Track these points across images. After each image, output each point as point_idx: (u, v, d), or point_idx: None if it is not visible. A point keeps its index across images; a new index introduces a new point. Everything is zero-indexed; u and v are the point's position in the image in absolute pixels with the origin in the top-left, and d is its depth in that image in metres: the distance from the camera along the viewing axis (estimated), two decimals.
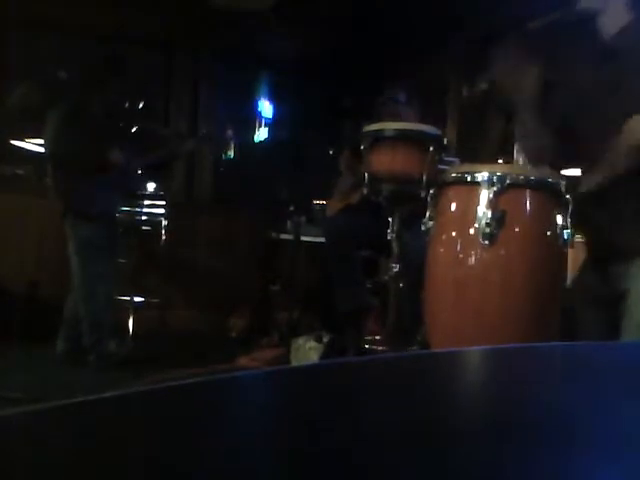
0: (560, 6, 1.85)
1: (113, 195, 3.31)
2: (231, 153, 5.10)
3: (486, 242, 1.70)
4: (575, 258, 1.95)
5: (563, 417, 0.47)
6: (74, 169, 3.15)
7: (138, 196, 3.91)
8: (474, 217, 1.73)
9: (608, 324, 1.78)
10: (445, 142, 2.25)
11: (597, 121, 1.77)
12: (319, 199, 4.38)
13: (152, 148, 3.50)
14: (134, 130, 3.64)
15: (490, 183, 1.72)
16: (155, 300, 4.29)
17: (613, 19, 1.78)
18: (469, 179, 1.78)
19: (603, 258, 1.83)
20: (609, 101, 1.75)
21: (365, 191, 2.24)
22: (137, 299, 3.91)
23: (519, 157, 2.34)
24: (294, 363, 3.05)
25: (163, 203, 4.18)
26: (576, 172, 1.92)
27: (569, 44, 1.93)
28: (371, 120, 2.47)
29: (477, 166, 1.80)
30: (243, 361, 3.30)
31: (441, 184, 1.90)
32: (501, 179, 1.71)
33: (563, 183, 1.75)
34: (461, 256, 1.76)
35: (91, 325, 3.23)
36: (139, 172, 3.56)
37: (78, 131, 3.15)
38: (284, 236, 4.37)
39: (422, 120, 3.01)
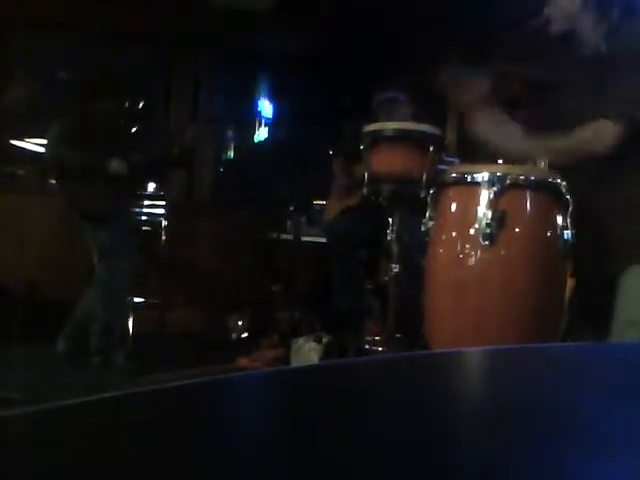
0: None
1: (121, 196, 3.29)
2: (231, 153, 5.11)
3: (486, 242, 1.70)
4: None
5: (563, 417, 0.47)
6: (78, 177, 3.15)
7: (138, 196, 3.91)
8: (474, 217, 1.73)
9: (602, 329, 1.78)
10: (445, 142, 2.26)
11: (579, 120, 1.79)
12: (319, 199, 4.38)
13: (153, 146, 3.49)
14: (134, 130, 3.63)
15: (490, 183, 1.72)
16: (155, 300, 4.29)
17: (588, 35, 1.82)
18: (469, 179, 1.78)
19: (596, 262, 1.83)
20: (591, 101, 1.77)
21: (365, 191, 2.24)
22: (137, 299, 3.91)
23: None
24: (294, 364, 3.05)
25: (163, 203, 4.18)
26: None
27: (555, 47, 1.95)
28: (370, 120, 2.47)
29: (477, 166, 1.80)
30: (243, 362, 3.29)
31: (441, 184, 1.90)
32: (501, 179, 1.71)
33: (563, 184, 1.75)
34: (461, 256, 1.76)
35: (103, 329, 3.23)
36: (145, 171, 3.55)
37: (79, 144, 3.15)
38: (284, 236, 4.37)
39: (417, 119, 3.01)
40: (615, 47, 1.77)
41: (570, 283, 1.90)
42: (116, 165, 3.17)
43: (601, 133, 1.73)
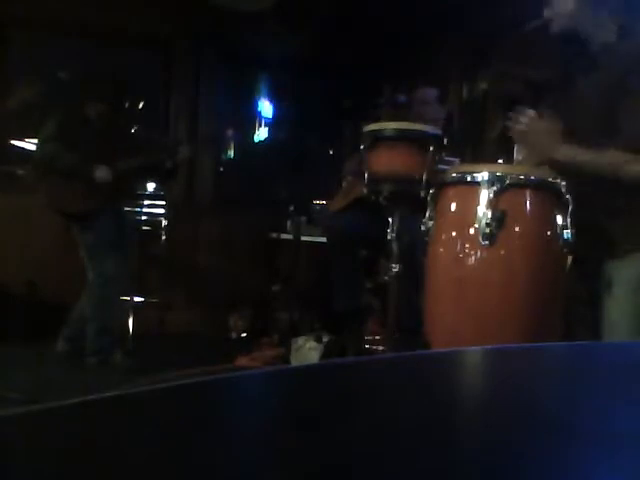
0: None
1: (104, 196, 3.27)
2: (231, 153, 5.11)
3: (486, 242, 1.70)
4: None
5: (562, 417, 0.47)
6: (62, 176, 3.14)
7: (138, 196, 3.91)
8: (474, 217, 1.73)
9: (589, 322, 1.80)
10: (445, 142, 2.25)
11: (588, 122, 1.79)
12: (319, 199, 4.38)
13: (146, 152, 3.48)
14: (133, 131, 3.63)
15: (490, 183, 1.71)
16: (155, 300, 4.29)
17: (592, 35, 1.82)
18: (469, 179, 1.78)
19: (582, 257, 1.85)
20: (603, 104, 1.77)
21: (365, 191, 2.24)
22: (137, 299, 3.91)
23: (519, 157, 2.35)
24: (294, 363, 3.05)
25: (163, 203, 4.18)
26: None
27: (556, 47, 1.95)
28: (375, 120, 2.47)
29: (477, 166, 1.80)
30: (243, 361, 3.30)
31: (441, 184, 1.90)
32: (501, 179, 1.71)
33: (563, 183, 1.75)
34: (461, 256, 1.76)
35: (97, 330, 3.23)
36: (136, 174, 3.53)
37: (70, 143, 3.14)
38: (284, 236, 4.37)
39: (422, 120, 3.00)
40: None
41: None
42: (102, 173, 3.16)
43: None
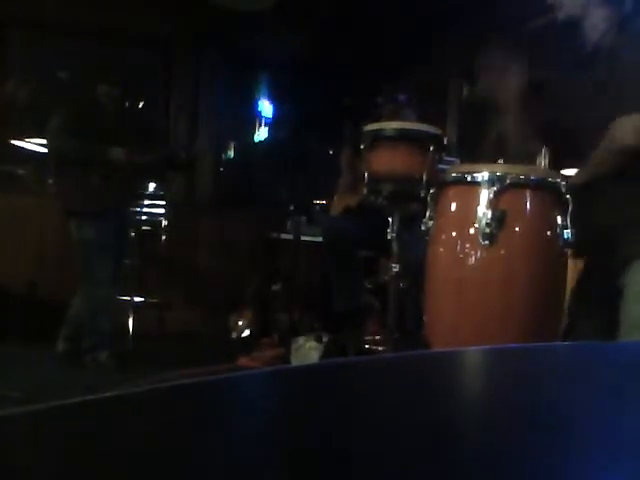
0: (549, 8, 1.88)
1: (111, 195, 3.28)
2: (231, 153, 5.11)
3: (486, 242, 1.70)
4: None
5: (563, 417, 0.47)
6: (75, 168, 3.15)
7: (138, 196, 3.91)
8: (474, 217, 1.73)
9: (605, 322, 1.79)
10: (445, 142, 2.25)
11: (588, 121, 1.80)
12: (319, 199, 4.38)
13: (154, 148, 3.48)
14: (137, 128, 3.63)
15: (490, 183, 1.71)
16: (155, 300, 4.29)
17: (594, 27, 1.83)
18: (469, 179, 1.78)
19: (601, 258, 1.85)
20: (597, 101, 1.77)
21: (365, 191, 2.24)
22: (137, 299, 3.91)
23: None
24: (294, 363, 3.05)
25: (163, 203, 4.18)
26: (573, 172, 1.94)
27: (553, 46, 1.96)
28: (371, 120, 2.47)
29: (477, 166, 1.80)
30: (243, 361, 3.30)
31: (441, 184, 1.90)
32: (501, 179, 1.71)
33: (563, 183, 1.75)
34: (461, 256, 1.76)
35: (94, 328, 3.24)
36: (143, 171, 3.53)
37: (81, 131, 3.15)
38: (284, 236, 4.37)
39: (421, 120, 3.00)
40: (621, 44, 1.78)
41: (577, 268, 1.90)
42: (117, 154, 3.16)
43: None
